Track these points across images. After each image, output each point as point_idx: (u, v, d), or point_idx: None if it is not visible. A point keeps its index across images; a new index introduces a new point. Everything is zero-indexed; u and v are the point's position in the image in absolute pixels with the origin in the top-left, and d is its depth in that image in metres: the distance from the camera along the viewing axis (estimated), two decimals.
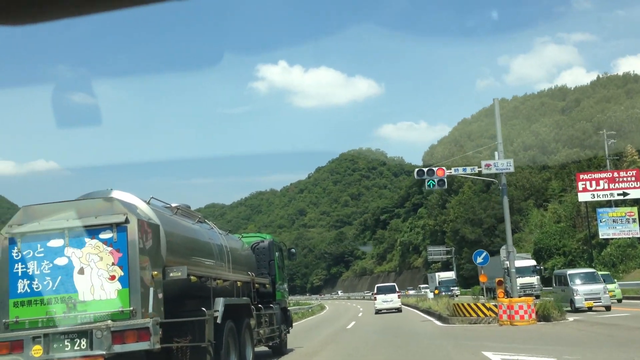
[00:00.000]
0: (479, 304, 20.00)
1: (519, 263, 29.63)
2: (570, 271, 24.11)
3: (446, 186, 22.43)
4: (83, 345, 6.99)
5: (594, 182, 47.70)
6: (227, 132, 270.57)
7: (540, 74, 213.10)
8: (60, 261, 7.22)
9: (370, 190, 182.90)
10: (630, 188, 45.99)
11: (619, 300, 28.81)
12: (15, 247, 7.30)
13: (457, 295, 40.67)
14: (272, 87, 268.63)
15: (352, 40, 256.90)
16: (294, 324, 16.73)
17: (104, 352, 6.89)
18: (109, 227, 7.21)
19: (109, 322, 6.98)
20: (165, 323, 7.50)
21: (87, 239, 7.25)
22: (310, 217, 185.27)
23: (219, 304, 8.68)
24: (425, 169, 22.23)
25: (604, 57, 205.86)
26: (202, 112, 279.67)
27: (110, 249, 7.20)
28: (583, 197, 47.85)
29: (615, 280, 32.97)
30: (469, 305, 20.19)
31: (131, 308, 7.04)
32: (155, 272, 7.47)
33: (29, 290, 7.19)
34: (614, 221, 46.93)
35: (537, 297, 30.80)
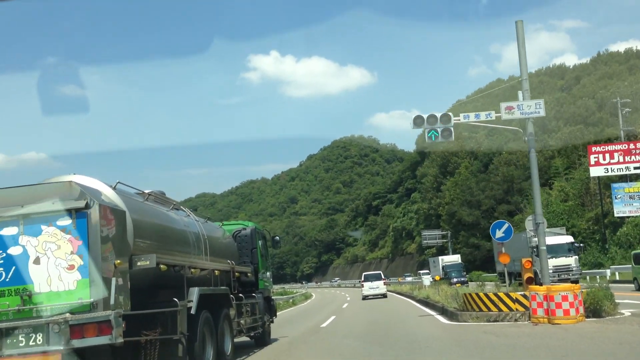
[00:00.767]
0: (500, 295, 14.15)
1: (551, 240, 23.84)
2: None
3: (453, 138, 16.60)
4: (39, 340, 6.53)
5: (607, 155, 42.11)
6: (219, 123, 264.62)
7: (532, 61, 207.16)
8: (14, 250, 6.77)
9: (362, 177, 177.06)
10: None
11: None
12: None
13: (467, 284, 34.32)
14: (264, 77, 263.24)
15: (344, 27, 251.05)
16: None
17: (62, 348, 6.43)
18: (68, 213, 6.72)
19: (67, 315, 6.49)
20: (131, 315, 6.97)
21: (43, 227, 6.77)
22: (301, 205, 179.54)
23: (193, 293, 8.30)
24: (426, 115, 16.46)
25: (596, 43, 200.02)
26: (195, 103, 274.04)
27: (69, 236, 6.72)
28: (595, 171, 42.22)
29: None
30: (486, 296, 14.37)
31: (91, 300, 6.55)
32: (119, 261, 6.89)
33: None
34: (630, 197, 41.37)
35: (575, 283, 25.25)
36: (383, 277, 37.27)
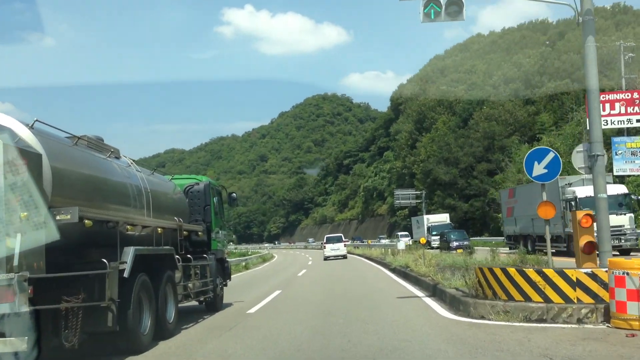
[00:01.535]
0: (548, 273, 7.86)
1: (591, 190, 15.94)
2: None
3: (464, 17, 10.02)
4: None
5: (607, 105, 36.09)
6: (192, 77, 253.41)
7: (508, 25, 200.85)
8: None
9: (334, 137, 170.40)
10: None
11: None
12: None
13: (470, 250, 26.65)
14: (237, 32, 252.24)
15: None
16: None
17: None
18: None
19: None
20: (48, 279, 5.88)
21: None
22: (271, 164, 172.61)
23: (128, 254, 7.01)
24: None
25: (560, 22, 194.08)
26: (167, 57, 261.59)
27: None
28: None
29: None
30: (521, 273, 8.06)
31: None
32: (24, 214, 5.67)
33: None
34: (632, 154, 35.71)
35: (627, 252, 19.05)
36: (344, 239, 39.13)
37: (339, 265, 27.61)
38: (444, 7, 9.93)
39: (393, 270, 19.24)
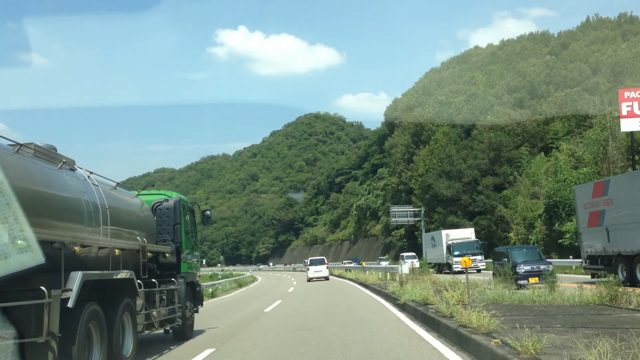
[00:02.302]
0: None
1: None
2: None
3: None
4: None
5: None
6: (185, 98, 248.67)
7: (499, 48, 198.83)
8: None
9: (326, 156, 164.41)
10: None
11: None
12: None
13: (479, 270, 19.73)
14: (231, 53, 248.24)
15: (315, 3, 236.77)
16: None
17: None
18: None
19: None
20: None
21: None
22: (262, 183, 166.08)
23: (74, 279, 6.00)
24: None
25: (561, 34, 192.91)
26: (161, 77, 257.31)
27: None
28: (628, 125, 29.87)
29: None
30: None
31: None
32: None
33: None
34: None
35: None
36: (326, 262, 40.01)
37: (324, 296, 20.84)
38: None
39: (402, 308, 12.53)
